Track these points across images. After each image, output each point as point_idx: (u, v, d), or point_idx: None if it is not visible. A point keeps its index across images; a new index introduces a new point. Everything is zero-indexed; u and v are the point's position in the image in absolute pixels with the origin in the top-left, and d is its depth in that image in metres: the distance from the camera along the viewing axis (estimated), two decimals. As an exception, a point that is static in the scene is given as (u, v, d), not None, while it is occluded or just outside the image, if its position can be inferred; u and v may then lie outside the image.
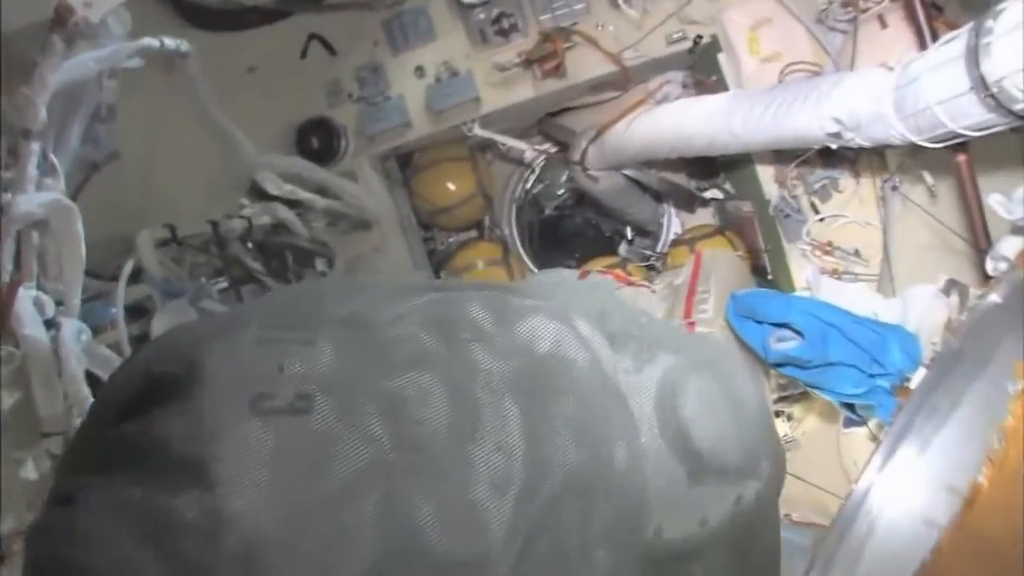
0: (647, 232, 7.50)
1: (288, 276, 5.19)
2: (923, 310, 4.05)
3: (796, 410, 5.61)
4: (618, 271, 5.95)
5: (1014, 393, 2.14)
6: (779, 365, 3.93)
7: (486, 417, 1.40)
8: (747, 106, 4.36)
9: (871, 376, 3.83)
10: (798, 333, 3.79)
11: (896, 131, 3.57)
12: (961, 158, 3.79)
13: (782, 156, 5.18)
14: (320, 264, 5.35)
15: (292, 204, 5.30)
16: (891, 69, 3.59)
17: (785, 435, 5.59)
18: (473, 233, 7.04)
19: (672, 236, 7.21)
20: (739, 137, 4.44)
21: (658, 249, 7.17)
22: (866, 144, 3.88)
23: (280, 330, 1.41)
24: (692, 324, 4.52)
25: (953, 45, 3.09)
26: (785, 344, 3.78)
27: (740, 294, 4.07)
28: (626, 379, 1.58)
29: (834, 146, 4.06)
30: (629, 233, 7.60)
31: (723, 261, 5.08)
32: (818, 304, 3.90)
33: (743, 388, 1.70)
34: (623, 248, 7.60)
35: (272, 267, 5.19)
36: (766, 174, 5.33)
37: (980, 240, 3.91)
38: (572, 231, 8.07)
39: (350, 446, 1.29)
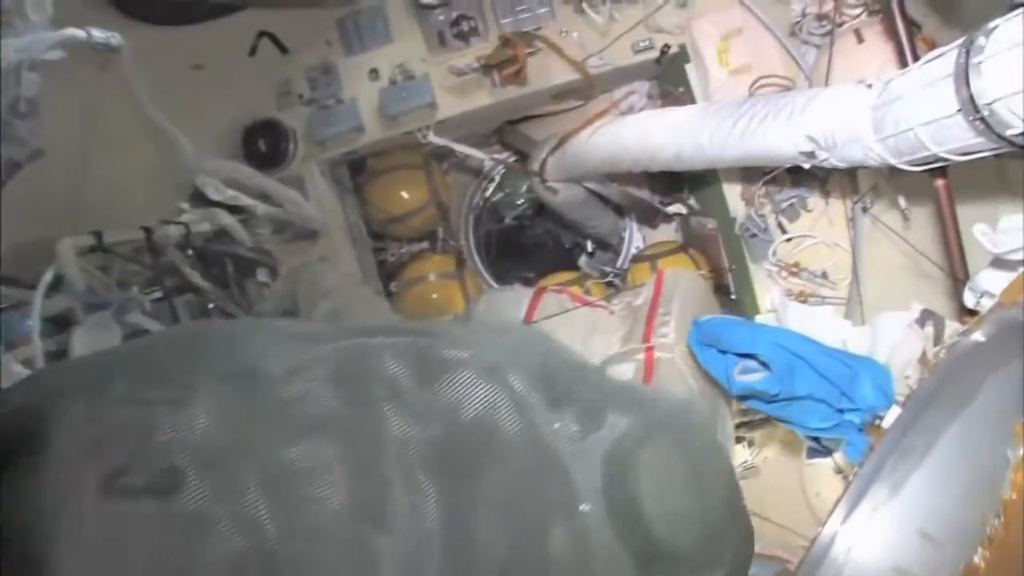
0: (608, 245, 7.29)
1: (228, 285, 4.90)
2: (895, 341, 3.84)
3: (757, 436, 5.40)
4: (575, 288, 5.72)
5: (1014, 461, 1.91)
6: (743, 397, 3.71)
7: (397, 497, 1.15)
8: (715, 120, 4.14)
9: (839, 411, 3.63)
10: (764, 365, 3.57)
11: (873, 152, 3.36)
12: (939, 182, 3.59)
13: (749, 173, 4.97)
14: (262, 274, 5.07)
15: (234, 210, 5.02)
16: (869, 86, 3.38)
17: (745, 461, 5.39)
18: (425, 244, 6.76)
19: (633, 251, 6.99)
20: (706, 152, 4.22)
21: (618, 264, 6.94)
22: (840, 165, 3.66)
23: (151, 386, 1.15)
24: (651, 349, 4.29)
25: (939, 63, 2.86)
26: (750, 376, 3.55)
27: (703, 321, 3.83)
28: (569, 447, 1.33)
29: (806, 165, 3.84)
30: (589, 246, 7.38)
31: (686, 282, 4.85)
32: (785, 334, 3.67)
33: (708, 457, 1.47)
34: (583, 261, 7.38)
35: (212, 275, 4.90)
36: (732, 191, 5.12)
37: (957, 269, 3.71)
38: (531, 242, 7.82)
39: (224, 534, 1.04)
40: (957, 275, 3.73)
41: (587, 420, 1.39)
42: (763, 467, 5.38)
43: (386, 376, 1.27)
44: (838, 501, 2.49)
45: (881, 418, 3.48)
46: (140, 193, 4.82)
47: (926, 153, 3.09)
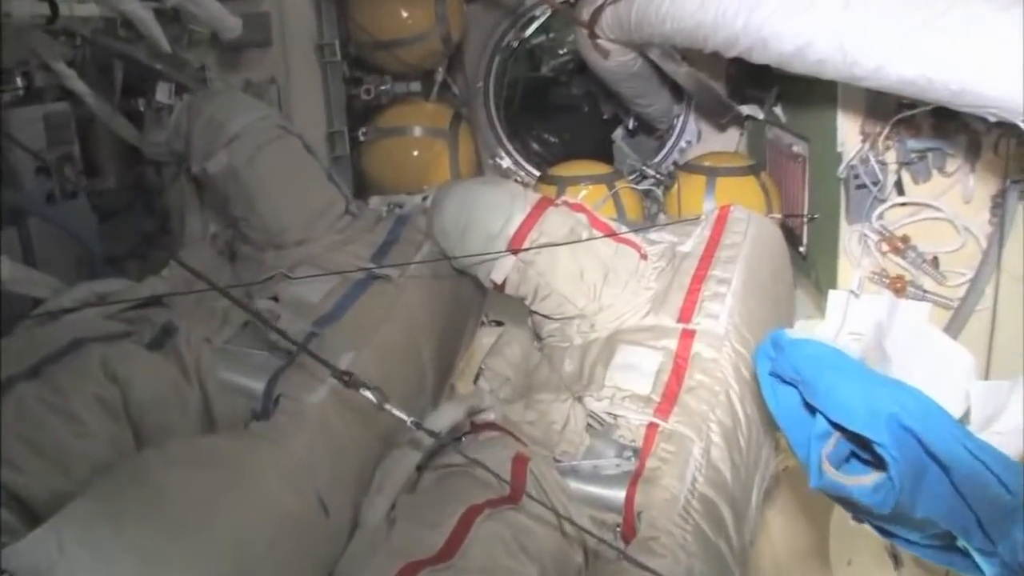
0: (653, 129, 5.53)
1: (113, 100, 3.22)
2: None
3: (779, 438, 3.81)
4: (595, 192, 4.02)
5: None
6: (826, 492, 2.10)
7: None
8: (892, 6, 2.37)
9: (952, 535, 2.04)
10: (876, 456, 1.94)
11: None
12: None
13: (881, 102, 3.22)
14: (163, 91, 3.29)
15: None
16: None
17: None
18: (417, 86, 4.95)
19: (683, 145, 5.25)
20: (855, 58, 2.49)
21: (659, 160, 5.20)
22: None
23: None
24: (690, 335, 2.65)
25: None
26: (855, 480, 1.93)
27: (790, 342, 2.16)
28: None
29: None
30: (631, 123, 5.62)
31: (759, 232, 3.16)
32: (918, 405, 2.00)
33: None
34: (618, 135, 5.68)
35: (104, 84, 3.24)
36: (850, 121, 3.36)
37: None
38: (564, 102, 6.14)
39: None
40: None
41: None
42: (784, 479, 3.81)
43: None
44: None
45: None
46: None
47: None
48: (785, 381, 2.17)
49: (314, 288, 2.69)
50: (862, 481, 1.91)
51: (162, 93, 3.27)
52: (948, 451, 1.94)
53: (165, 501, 1.91)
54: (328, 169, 3.30)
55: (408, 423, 1.94)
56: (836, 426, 2.03)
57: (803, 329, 3.47)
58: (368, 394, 1.91)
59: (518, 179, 5.42)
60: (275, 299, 2.69)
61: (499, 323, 3.69)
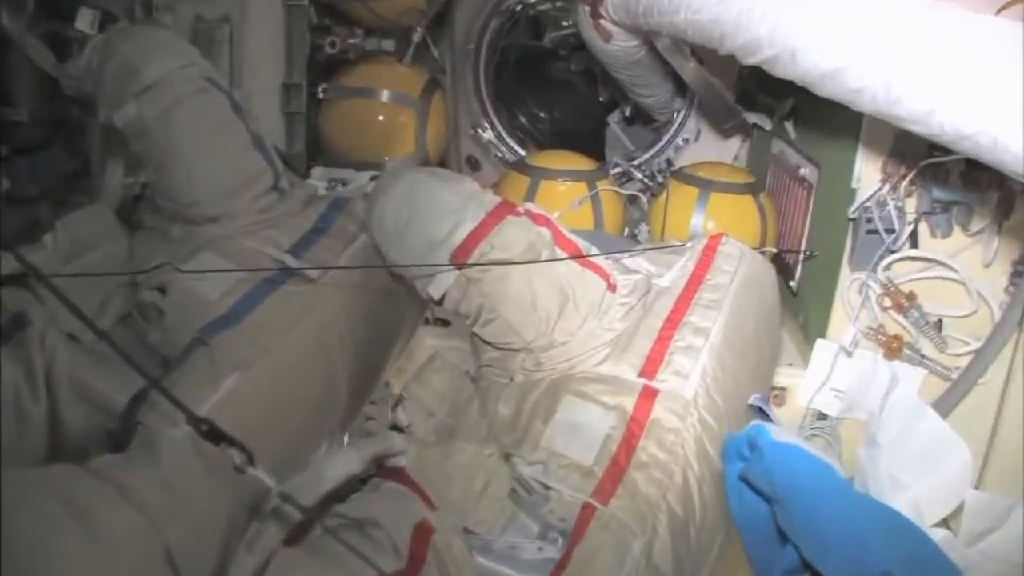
0: (651, 119, 5.08)
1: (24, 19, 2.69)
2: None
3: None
4: (570, 198, 3.56)
5: None
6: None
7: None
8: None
9: None
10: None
11: None
12: None
13: (911, 140, 2.75)
14: (84, 19, 2.77)
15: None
16: None
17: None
18: (391, 45, 4.34)
19: (680, 142, 4.80)
20: (898, 96, 2.03)
21: (650, 158, 4.76)
22: None
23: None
24: (651, 392, 2.20)
25: None
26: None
27: (772, 445, 1.73)
28: None
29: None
30: (628, 110, 5.17)
31: (751, 275, 2.70)
32: (917, 555, 1.59)
33: None
34: (614, 118, 5.32)
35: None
36: (870, 157, 2.90)
37: None
38: (559, 76, 5.64)
39: None
40: None
41: None
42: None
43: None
44: None
45: None
46: None
47: None
48: (753, 488, 1.74)
49: (213, 281, 2.20)
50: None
51: (83, 21, 2.73)
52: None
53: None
54: (258, 134, 2.74)
55: (274, 492, 1.50)
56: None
57: (785, 378, 3.09)
58: (232, 452, 1.46)
59: (498, 155, 4.98)
60: (163, 290, 2.21)
61: (445, 323, 3.23)
